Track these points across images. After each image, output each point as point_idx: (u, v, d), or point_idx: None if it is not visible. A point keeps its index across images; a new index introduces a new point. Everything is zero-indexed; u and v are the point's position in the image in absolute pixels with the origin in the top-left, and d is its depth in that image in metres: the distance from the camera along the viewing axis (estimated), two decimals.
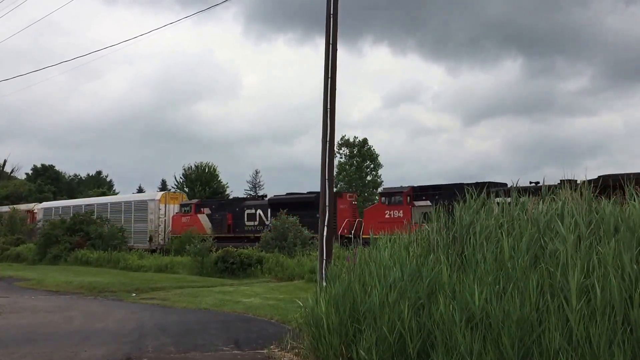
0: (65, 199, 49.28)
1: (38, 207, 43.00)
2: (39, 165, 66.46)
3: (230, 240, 28.69)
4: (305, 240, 24.40)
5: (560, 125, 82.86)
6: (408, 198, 25.14)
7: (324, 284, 8.04)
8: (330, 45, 10.22)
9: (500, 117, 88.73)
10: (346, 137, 55.86)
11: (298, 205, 26.80)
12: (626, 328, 4.49)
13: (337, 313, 6.55)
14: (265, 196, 32.30)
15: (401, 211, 24.58)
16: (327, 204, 9.99)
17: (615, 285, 4.57)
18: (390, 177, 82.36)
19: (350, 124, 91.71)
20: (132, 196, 42.44)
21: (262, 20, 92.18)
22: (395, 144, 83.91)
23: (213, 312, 12.20)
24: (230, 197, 49.82)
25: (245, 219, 31.06)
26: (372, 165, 55.85)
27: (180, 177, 56.44)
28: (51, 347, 8.32)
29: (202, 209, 33.32)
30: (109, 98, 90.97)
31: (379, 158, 55.81)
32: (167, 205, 34.79)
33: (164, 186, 60.88)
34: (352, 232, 26.14)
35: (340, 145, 54.71)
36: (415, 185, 26.13)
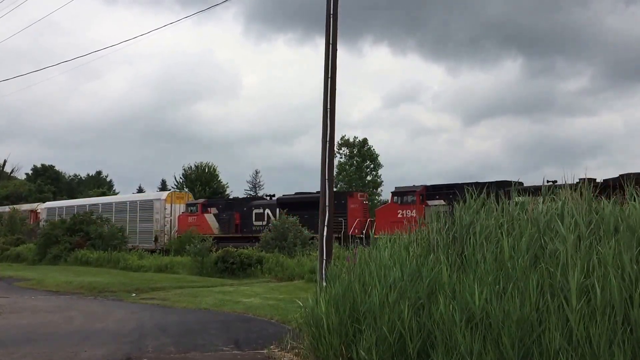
0: (66, 199, 49.25)
1: (42, 207, 42.97)
2: (39, 165, 66.61)
3: (239, 240, 28.52)
4: (305, 240, 24.37)
5: (560, 125, 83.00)
6: (421, 197, 24.90)
7: (324, 284, 8.04)
8: (330, 45, 10.22)
9: (500, 117, 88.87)
10: (346, 137, 55.96)
11: (307, 205, 26.51)
12: (626, 328, 4.49)
13: (337, 313, 6.55)
14: (274, 195, 32.02)
15: (414, 211, 24.12)
16: (327, 204, 10.00)
17: (615, 285, 4.57)
18: (390, 177, 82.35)
19: (350, 124, 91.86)
20: (137, 196, 42.30)
21: (262, 20, 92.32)
22: (395, 144, 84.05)
23: (213, 312, 12.19)
24: (231, 197, 49.82)
25: (254, 219, 30.79)
26: (372, 165, 55.89)
27: (180, 177, 56.56)
28: (51, 347, 8.32)
29: (208, 209, 33.10)
30: (109, 98, 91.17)
31: (379, 158, 55.95)
32: (172, 204, 34.50)
33: (163, 186, 60.91)
34: (364, 231, 25.98)
35: (340, 145, 54.74)
36: (428, 184, 25.87)
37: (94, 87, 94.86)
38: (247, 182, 60.04)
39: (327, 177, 10.04)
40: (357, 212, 27.48)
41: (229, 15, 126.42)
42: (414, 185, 26.28)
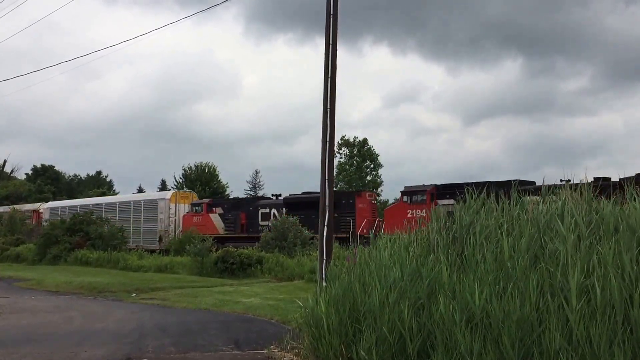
0: (66, 199, 49.20)
1: (44, 206, 42.86)
2: (38, 166, 66.61)
3: (245, 240, 28.37)
4: (305, 240, 24.35)
5: (560, 125, 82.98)
6: (431, 196, 24.71)
7: (324, 284, 8.04)
8: (330, 45, 10.22)
9: (500, 117, 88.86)
10: (346, 137, 55.96)
11: (313, 205, 26.47)
12: (626, 328, 4.49)
13: (337, 313, 6.55)
14: (280, 195, 31.88)
15: (424, 210, 24.08)
16: (327, 204, 10.01)
17: (615, 285, 4.56)
18: (390, 177, 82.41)
19: (350, 124, 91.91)
20: (141, 195, 42.10)
21: (262, 21, 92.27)
22: (395, 144, 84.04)
23: (213, 312, 12.19)
24: (231, 197, 49.83)
25: (260, 219, 30.58)
26: (372, 165, 55.90)
27: (180, 177, 56.55)
28: (51, 348, 8.32)
29: (214, 209, 32.91)
30: (109, 98, 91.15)
31: (379, 158, 55.95)
32: (177, 204, 34.22)
33: (163, 186, 60.92)
34: (372, 231, 25.85)
35: (340, 145, 54.74)
36: (438, 183, 25.70)
37: (94, 87, 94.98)
38: (247, 182, 60.14)
39: (327, 177, 10.04)
40: (365, 211, 27.36)
41: (229, 15, 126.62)
42: (424, 185, 26.06)
